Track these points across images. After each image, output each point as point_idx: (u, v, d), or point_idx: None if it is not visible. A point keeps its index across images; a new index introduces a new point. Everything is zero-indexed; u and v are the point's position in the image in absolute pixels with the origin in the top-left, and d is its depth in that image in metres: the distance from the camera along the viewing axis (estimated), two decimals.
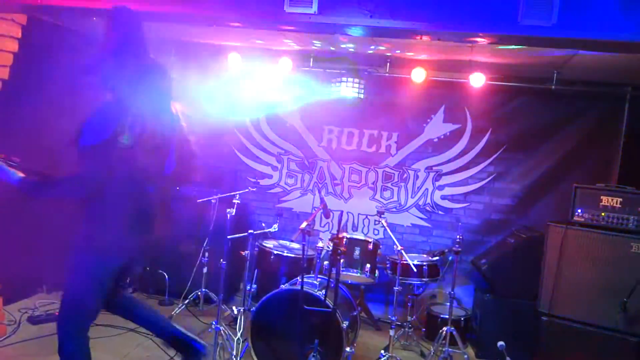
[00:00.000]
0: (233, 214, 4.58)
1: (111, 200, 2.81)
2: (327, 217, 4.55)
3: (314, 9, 3.42)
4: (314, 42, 5.11)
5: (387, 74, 5.85)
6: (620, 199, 4.52)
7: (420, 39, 3.82)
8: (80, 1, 3.68)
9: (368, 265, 4.93)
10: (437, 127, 6.17)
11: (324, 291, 4.18)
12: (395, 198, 6.31)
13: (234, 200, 4.69)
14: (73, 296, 3.00)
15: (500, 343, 4.51)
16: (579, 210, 4.66)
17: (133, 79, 2.83)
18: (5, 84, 4.25)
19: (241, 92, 6.41)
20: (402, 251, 4.75)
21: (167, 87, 3.06)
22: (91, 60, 2.97)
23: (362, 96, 5.83)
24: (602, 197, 4.58)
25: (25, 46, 4.31)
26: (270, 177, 6.61)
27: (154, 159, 2.95)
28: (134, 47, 2.91)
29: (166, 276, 5.71)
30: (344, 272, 4.87)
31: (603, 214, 4.55)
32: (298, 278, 4.38)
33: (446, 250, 5.39)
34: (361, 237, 5.10)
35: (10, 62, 4.21)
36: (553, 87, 5.40)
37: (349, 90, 5.76)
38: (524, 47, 4.15)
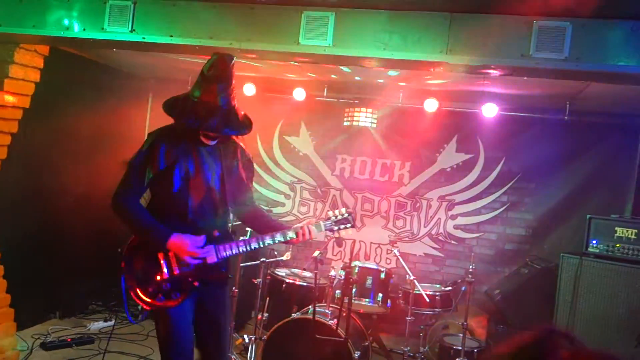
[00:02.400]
0: None
1: None
2: (339, 245, 4.56)
3: (329, 41, 3.49)
4: (328, 73, 5.19)
5: (400, 104, 5.91)
6: (636, 231, 4.50)
7: (433, 70, 3.88)
8: (100, 34, 3.78)
9: (380, 295, 4.91)
10: (449, 157, 6.19)
11: (336, 320, 4.16)
12: (407, 227, 6.30)
13: (247, 229, 4.71)
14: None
15: None
16: (594, 242, 4.64)
17: None
18: (27, 113, 4.34)
19: (255, 120, 6.48)
20: (415, 281, 4.73)
21: None
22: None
23: (375, 125, 5.89)
24: (616, 228, 4.57)
25: (47, 76, 4.42)
26: (283, 205, 6.64)
27: None
28: None
29: None
30: (356, 302, 4.85)
31: (618, 245, 4.53)
32: (310, 307, 4.37)
33: (459, 281, 5.35)
34: (373, 266, 5.09)
35: (32, 91, 4.32)
36: (566, 117, 5.42)
37: (362, 119, 5.82)
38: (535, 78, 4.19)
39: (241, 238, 2.92)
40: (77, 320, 5.55)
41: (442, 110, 5.78)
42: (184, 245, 2.71)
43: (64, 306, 5.52)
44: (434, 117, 5.88)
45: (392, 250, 5.17)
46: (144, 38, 3.71)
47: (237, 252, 2.82)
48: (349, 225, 3.02)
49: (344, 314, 4.23)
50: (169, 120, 2.95)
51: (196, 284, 2.78)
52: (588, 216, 4.74)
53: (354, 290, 4.50)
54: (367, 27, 3.49)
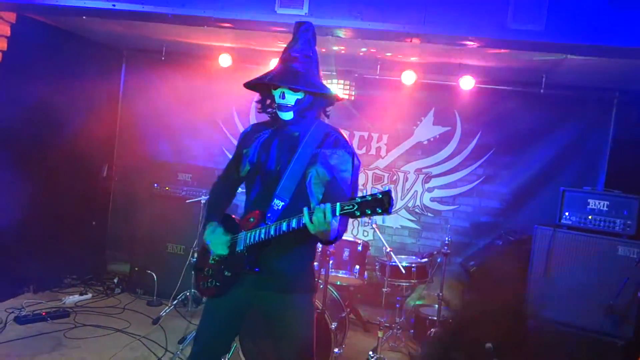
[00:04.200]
0: None
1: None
2: None
3: (305, 10, 3.44)
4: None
5: (377, 76, 5.87)
6: (607, 202, 4.58)
7: (411, 41, 3.84)
8: (70, 0, 3.66)
9: (357, 267, 4.94)
10: (426, 130, 6.20)
11: None
12: None
13: None
14: (311, 345, 2.64)
15: (488, 344, 4.54)
16: (567, 213, 4.71)
17: None
18: None
19: (232, 92, 6.42)
20: (391, 252, 4.77)
21: None
22: None
23: (353, 98, 5.85)
24: (589, 200, 4.64)
25: (14, 44, 4.28)
26: None
27: None
28: None
29: (155, 277, 5.68)
30: (333, 274, 4.87)
31: (590, 217, 4.60)
32: None
33: (435, 252, 5.41)
34: (350, 238, 5.11)
35: None
36: (542, 90, 5.44)
37: (339, 91, 5.78)
38: (512, 50, 4.19)
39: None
40: (52, 294, 5.49)
41: (420, 83, 5.77)
42: (207, 235, 2.65)
43: (37, 280, 5.45)
44: (412, 89, 5.87)
45: (369, 223, 5.19)
46: (114, 5, 3.61)
47: (260, 238, 2.49)
48: (378, 210, 2.18)
49: (321, 286, 4.25)
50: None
51: (227, 273, 2.62)
52: (562, 188, 4.81)
53: (330, 262, 4.52)
54: None
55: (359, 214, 2.19)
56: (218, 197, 2.85)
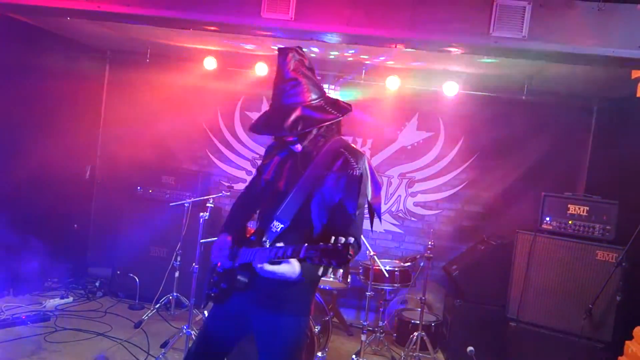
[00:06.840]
0: (206, 218, 4.57)
1: None
2: None
3: (291, 15, 3.45)
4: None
5: (362, 81, 5.91)
6: (587, 208, 4.64)
7: (395, 47, 3.87)
8: (54, 1, 3.63)
9: (341, 270, 4.95)
10: (410, 135, 6.24)
11: None
12: None
13: (207, 204, 4.68)
14: None
15: (470, 348, 4.60)
16: (547, 218, 4.77)
17: None
18: None
19: (216, 95, 6.42)
20: (375, 256, 4.79)
21: None
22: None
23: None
24: (569, 205, 4.70)
25: None
26: (245, 181, 6.59)
27: None
28: None
29: (137, 280, 5.64)
30: None
31: (570, 222, 4.66)
32: None
33: (418, 256, 5.45)
34: None
35: None
36: (524, 97, 5.52)
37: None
38: (495, 58, 4.24)
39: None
40: (32, 298, 5.43)
41: (404, 88, 5.81)
42: (214, 246, 2.64)
43: (18, 283, 5.38)
44: (396, 94, 5.91)
45: None
46: (98, 7, 3.58)
47: (248, 260, 2.42)
48: (333, 263, 2.02)
49: None
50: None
51: (223, 285, 2.59)
52: (542, 194, 4.87)
53: None
54: (330, 0, 3.46)
55: (317, 262, 2.05)
56: (236, 207, 2.83)
